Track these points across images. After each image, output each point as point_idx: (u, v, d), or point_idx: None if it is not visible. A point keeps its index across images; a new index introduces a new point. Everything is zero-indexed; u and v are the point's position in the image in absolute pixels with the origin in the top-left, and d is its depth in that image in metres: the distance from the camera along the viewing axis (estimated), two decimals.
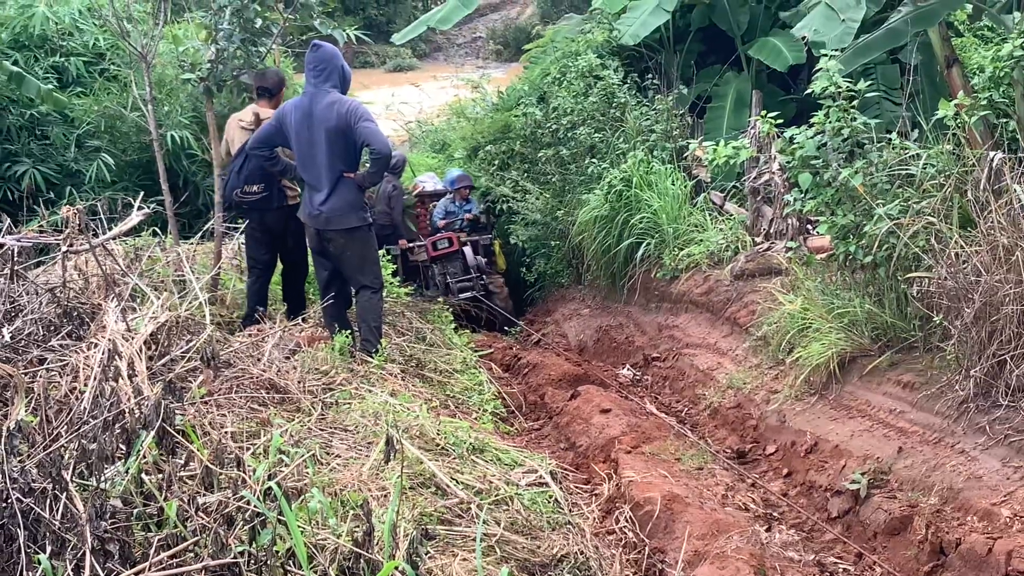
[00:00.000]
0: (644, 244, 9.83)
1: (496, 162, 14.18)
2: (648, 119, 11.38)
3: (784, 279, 7.58)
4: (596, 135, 11.68)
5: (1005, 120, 6.62)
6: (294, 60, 14.82)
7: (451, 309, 10.22)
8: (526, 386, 8.51)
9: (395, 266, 10.27)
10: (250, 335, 6.84)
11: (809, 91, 7.03)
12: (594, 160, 11.42)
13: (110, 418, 3.79)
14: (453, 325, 9.46)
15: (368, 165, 6.84)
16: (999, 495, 4.59)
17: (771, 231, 8.44)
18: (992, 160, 5.63)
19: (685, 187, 9.96)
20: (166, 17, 8.24)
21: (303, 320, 7.62)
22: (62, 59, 12.57)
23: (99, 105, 11.88)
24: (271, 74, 7.95)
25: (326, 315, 7.15)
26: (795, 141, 6.91)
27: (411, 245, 12.19)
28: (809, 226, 8.02)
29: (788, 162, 7.26)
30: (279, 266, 8.01)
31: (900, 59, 11.25)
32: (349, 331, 6.79)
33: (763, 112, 8.14)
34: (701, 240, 9.18)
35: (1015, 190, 5.34)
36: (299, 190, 7.90)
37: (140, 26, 8.33)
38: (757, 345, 7.28)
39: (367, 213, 6.95)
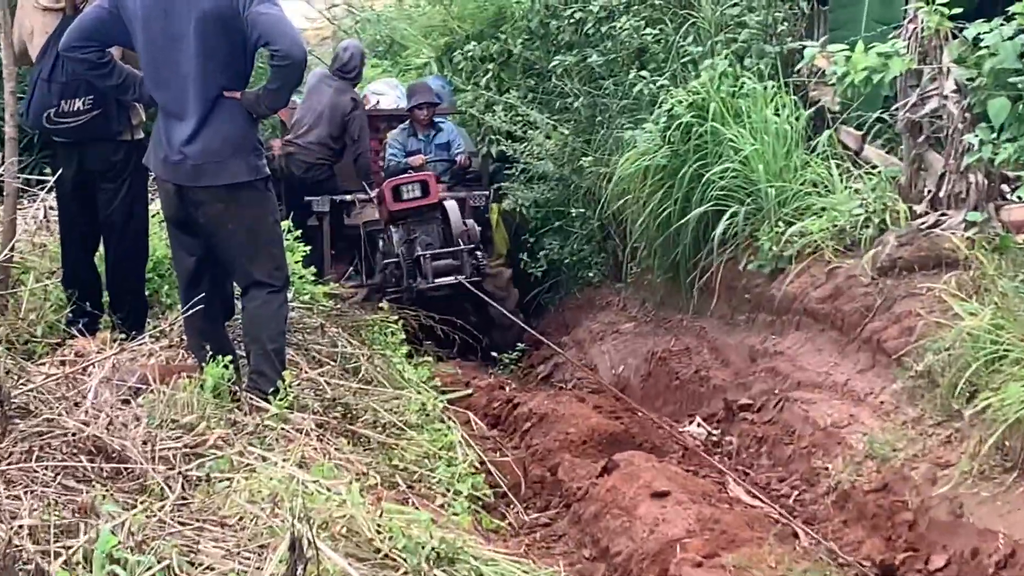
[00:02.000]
0: (728, 215, 9.81)
1: (481, 74, 14.17)
2: (736, 5, 11.35)
3: (963, 275, 7.53)
4: (649, 31, 11.64)
5: None
6: None
7: (399, 319, 10.17)
8: (528, 452, 8.49)
9: (305, 247, 10.18)
10: (63, 361, 6.81)
11: None
12: (644, 73, 11.39)
13: None
14: (405, 348, 9.42)
15: (268, 79, 6.80)
16: None
17: (941, 195, 8.40)
18: None
19: (798, 120, 9.94)
20: None
21: (150, 337, 7.61)
22: None
23: None
24: None
25: (190, 330, 7.12)
26: (983, 44, 6.90)
27: (350, 198, 12.22)
28: (1005, 187, 7.99)
29: (971, 79, 7.26)
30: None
31: None
32: (230, 358, 6.75)
33: None
34: (824, 209, 9.15)
35: None
36: (143, 116, 7.92)
37: None
38: (916, 387, 7.22)
39: (262, 160, 6.91)
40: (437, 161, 13.00)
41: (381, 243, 12.14)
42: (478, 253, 12.01)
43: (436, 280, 11.59)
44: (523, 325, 11.64)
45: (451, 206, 12.15)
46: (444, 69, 15.41)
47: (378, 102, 14.33)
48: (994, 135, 6.96)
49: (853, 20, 11.81)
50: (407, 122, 13.47)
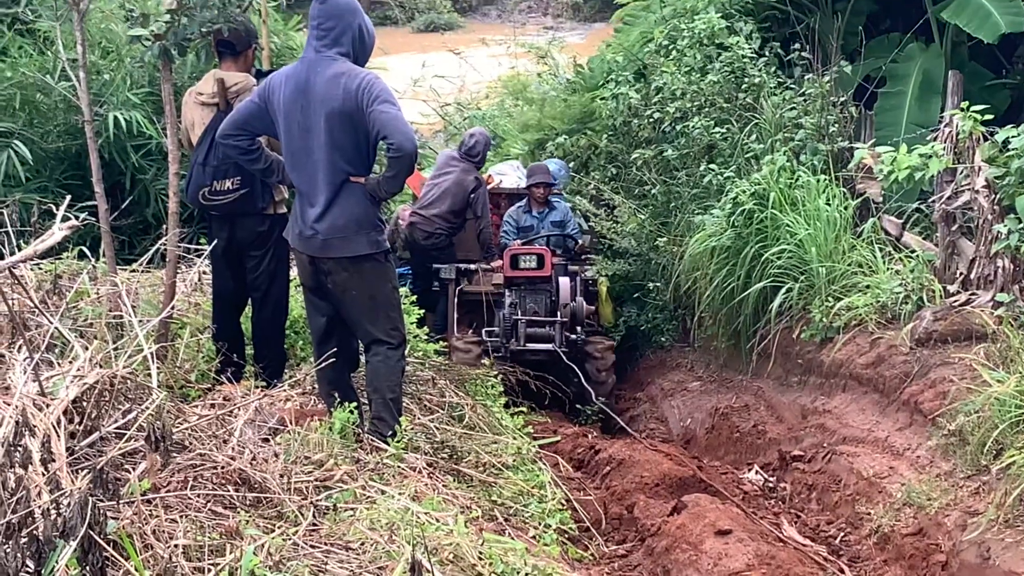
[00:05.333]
0: (784, 290, 9.80)
1: (571, 163, 14.23)
2: (794, 109, 11.36)
3: (991, 347, 7.47)
4: (717, 130, 11.69)
5: None
6: (300, 14, 14.88)
7: (499, 374, 10.14)
8: (607, 492, 8.46)
9: (420, 311, 10.21)
10: (213, 404, 6.87)
11: None
12: (713, 166, 11.42)
13: (14, 521, 3.80)
14: (503, 400, 9.42)
15: (385, 168, 6.86)
16: None
17: (972, 276, 8.32)
18: None
19: (846, 209, 9.93)
20: None
21: (287, 385, 7.67)
22: None
23: (13, 71, 12.07)
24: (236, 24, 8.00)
25: (321, 380, 7.15)
26: (1011, 146, 6.84)
27: (474, 267, 12.18)
28: None
29: (1000, 176, 7.18)
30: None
31: None
32: (354, 404, 6.80)
33: (963, 103, 8.08)
34: (868, 287, 9.12)
35: None
36: (285, 194, 8.02)
37: None
38: (949, 444, 7.14)
39: (382, 235, 6.96)
40: (550, 235, 12.91)
41: (499, 308, 12.06)
42: (578, 329, 11.88)
43: (528, 344, 11.54)
44: (605, 408, 11.16)
45: (564, 282, 12.00)
46: (537, 160, 15.45)
47: (501, 181, 14.30)
48: (1020, 226, 6.90)
49: (895, 123, 11.83)
50: (525, 200, 13.37)
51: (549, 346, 11.47)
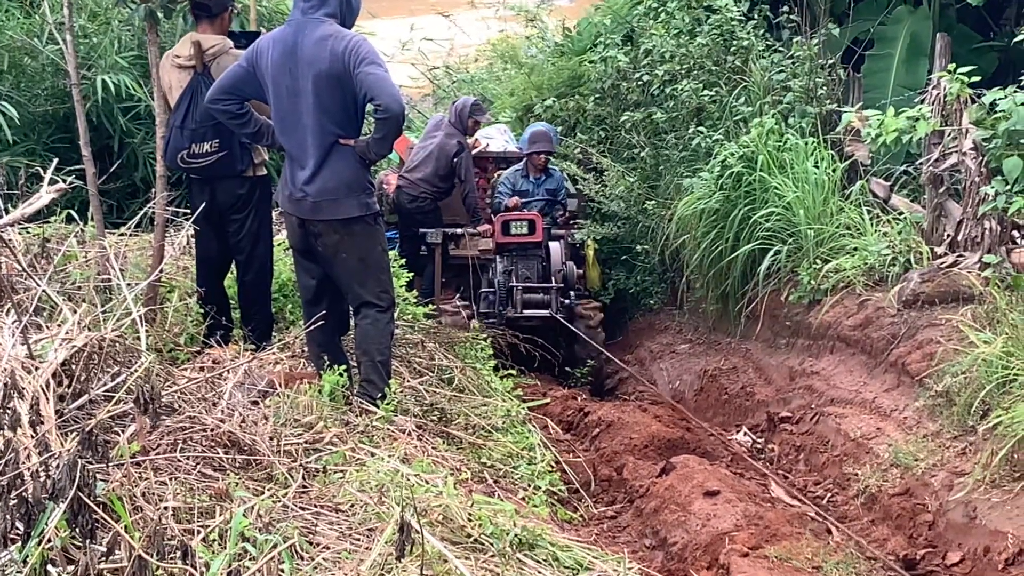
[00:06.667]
0: (772, 252, 9.83)
1: (559, 127, 14.20)
2: (782, 71, 11.36)
3: (978, 309, 7.50)
4: (706, 92, 11.66)
5: None
6: None
7: (488, 337, 10.13)
8: (596, 454, 8.50)
9: (409, 274, 10.18)
10: (202, 367, 6.86)
11: (1021, 38, 6.96)
12: (702, 129, 11.41)
13: (3, 483, 3.79)
14: (492, 362, 9.42)
15: (374, 130, 6.83)
16: None
17: (959, 238, 8.33)
18: None
19: (834, 171, 9.94)
20: None
21: (276, 348, 7.67)
22: None
23: None
24: None
25: (311, 342, 7.15)
26: (998, 108, 6.82)
27: (460, 231, 12.13)
28: (1016, 233, 7.89)
29: (987, 139, 7.16)
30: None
31: None
32: (344, 367, 6.79)
33: (951, 65, 8.06)
34: (856, 249, 9.15)
35: None
36: (265, 156, 8.00)
37: None
38: (936, 404, 7.18)
39: (372, 198, 6.94)
40: (543, 201, 12.91)
41: (488, 273, 12.08)
42: (571, 293, 11.97)
43: (524, 311, 11.57)
44: (610, 355, 11.45)
45: (554, 247, 12.12)
46: (524, 124, 15.43)
47: (487, 145, 14.21)
48: (1007, 188, 6.90)
49: (883, 85, 11.81)
50: (522, 163, 13.30)
51: (546, 312, 11.53)
